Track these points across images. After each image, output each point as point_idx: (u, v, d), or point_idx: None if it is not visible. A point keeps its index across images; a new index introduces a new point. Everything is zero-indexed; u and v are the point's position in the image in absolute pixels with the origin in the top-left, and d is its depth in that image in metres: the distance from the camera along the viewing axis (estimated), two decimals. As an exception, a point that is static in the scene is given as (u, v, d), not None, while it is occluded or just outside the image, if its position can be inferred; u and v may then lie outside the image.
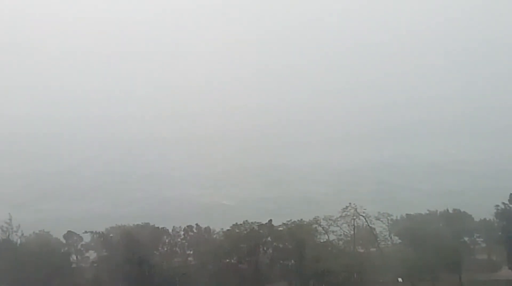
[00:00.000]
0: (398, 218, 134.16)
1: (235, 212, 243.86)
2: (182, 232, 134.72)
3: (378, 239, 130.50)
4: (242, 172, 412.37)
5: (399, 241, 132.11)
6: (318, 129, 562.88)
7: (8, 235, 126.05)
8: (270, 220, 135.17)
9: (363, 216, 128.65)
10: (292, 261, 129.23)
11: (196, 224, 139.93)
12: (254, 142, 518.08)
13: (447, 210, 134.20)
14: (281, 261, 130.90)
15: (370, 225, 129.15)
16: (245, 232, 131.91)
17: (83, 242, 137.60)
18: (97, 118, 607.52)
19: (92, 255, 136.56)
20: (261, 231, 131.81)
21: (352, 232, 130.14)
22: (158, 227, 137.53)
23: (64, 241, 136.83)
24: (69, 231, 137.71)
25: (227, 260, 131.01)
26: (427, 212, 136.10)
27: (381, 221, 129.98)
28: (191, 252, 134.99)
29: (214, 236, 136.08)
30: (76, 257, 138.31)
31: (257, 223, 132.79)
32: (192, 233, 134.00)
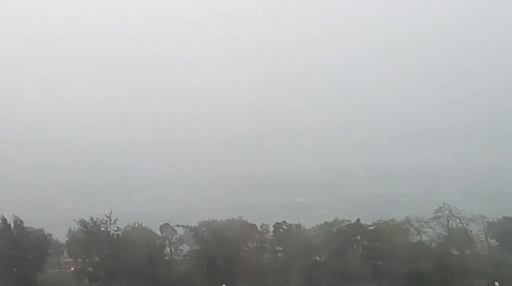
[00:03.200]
0: (495, 220, 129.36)
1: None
2: (272, 228, 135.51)
3: (473, 241, 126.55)
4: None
5: (496, 244, 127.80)
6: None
7: (107, 228, 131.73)
8: (358, 219, 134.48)
9: (457, 218, 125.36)
10: (383, 261, 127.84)
11: (284, 221, 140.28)
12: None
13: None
14: (371, 261, 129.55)
15: (465, 227, 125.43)
16: (334, 230, 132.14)
17: (177, 235, 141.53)
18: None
19: (186, 248, 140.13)
20: (351, 229, 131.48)
21: (446, 233, 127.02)
22: (249, 223, 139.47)
23: (159, 234, 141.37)
24: (165, 224, 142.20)
25: (317, 258, 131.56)
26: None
27: (476, 223, 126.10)
28: (281, 249, 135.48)
29: (305, 233, 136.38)
30: (170, 250, 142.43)
31: (347, 221, 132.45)
32: (282, 230, 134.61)
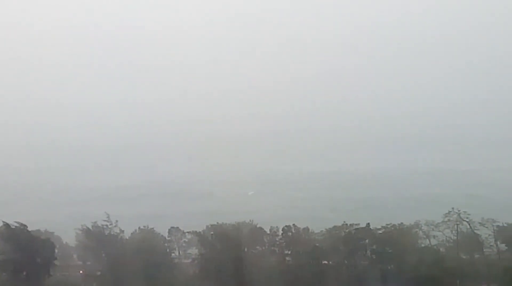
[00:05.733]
0: (505, 224, 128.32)
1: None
2: (280, 232, 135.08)
3: (483, 246, 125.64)
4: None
5: (506, 248, 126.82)
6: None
7: (110, 231, 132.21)
8: (368, 224, 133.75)
9: (467, 222, 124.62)
10: (392, 265, 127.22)
11: (294, 224, 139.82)
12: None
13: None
14: (380, 265, 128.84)
15: (475, 230, 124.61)
16: (343, 234, 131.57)
17: (185, 239, 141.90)
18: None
19: (194, 251, 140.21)
20: (359, 234, 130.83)
21: (455, 237, 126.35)
22: (257, 226, 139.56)
23: (167, 237, 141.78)
24: (172, 227, 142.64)
25: (325, 262, 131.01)
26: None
27: (486, 227, 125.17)
28: (289, 252, 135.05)
29: (313, 237, 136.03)
30: (179, 253, 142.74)
31: (356, 225, 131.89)
32: (290, 233, 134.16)
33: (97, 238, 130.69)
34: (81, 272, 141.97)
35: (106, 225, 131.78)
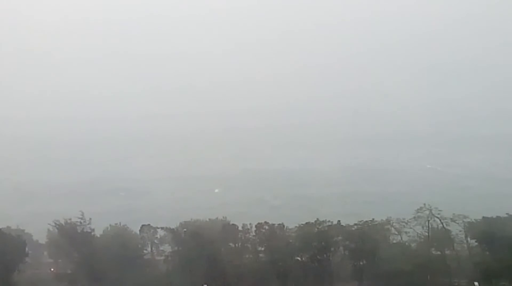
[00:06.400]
0: (474, 220, 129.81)
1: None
2: (254, 229, 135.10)
3: (453, 241, 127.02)
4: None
5: (476, 244, 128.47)
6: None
7: (83, 229, 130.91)
8: (339, 221, 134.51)
9: (438, 218, 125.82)
10: (364, 261, 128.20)
11: (266, 222, 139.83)
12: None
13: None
14: (353, 261, 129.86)
15: (446, 227, 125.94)
16: (316, 230, 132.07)
17: (158, 236, 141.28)
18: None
19: (167, 248, 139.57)
20: (332, 230, 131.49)
21: (426, 233, 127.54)
22: (230, 223, 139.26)
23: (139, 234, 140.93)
24: (143, 225, 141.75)
25: (298, 258, 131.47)
26: (506, 215, 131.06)
27: (457, 223, 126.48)
28: (263, 249, 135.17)
29: (286, 233, 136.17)
30: (151, 250, 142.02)
31: (328, 222, 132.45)
32: (263, 230, 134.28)
33: (69, 236, 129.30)
34: (52, 270, 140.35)
35: (80, 222, 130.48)
